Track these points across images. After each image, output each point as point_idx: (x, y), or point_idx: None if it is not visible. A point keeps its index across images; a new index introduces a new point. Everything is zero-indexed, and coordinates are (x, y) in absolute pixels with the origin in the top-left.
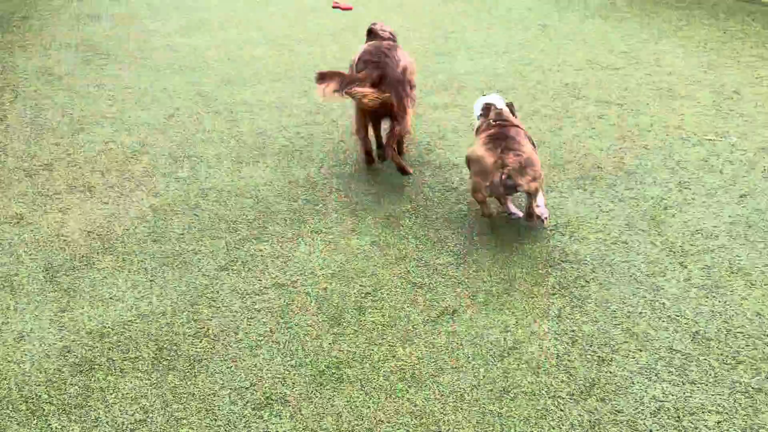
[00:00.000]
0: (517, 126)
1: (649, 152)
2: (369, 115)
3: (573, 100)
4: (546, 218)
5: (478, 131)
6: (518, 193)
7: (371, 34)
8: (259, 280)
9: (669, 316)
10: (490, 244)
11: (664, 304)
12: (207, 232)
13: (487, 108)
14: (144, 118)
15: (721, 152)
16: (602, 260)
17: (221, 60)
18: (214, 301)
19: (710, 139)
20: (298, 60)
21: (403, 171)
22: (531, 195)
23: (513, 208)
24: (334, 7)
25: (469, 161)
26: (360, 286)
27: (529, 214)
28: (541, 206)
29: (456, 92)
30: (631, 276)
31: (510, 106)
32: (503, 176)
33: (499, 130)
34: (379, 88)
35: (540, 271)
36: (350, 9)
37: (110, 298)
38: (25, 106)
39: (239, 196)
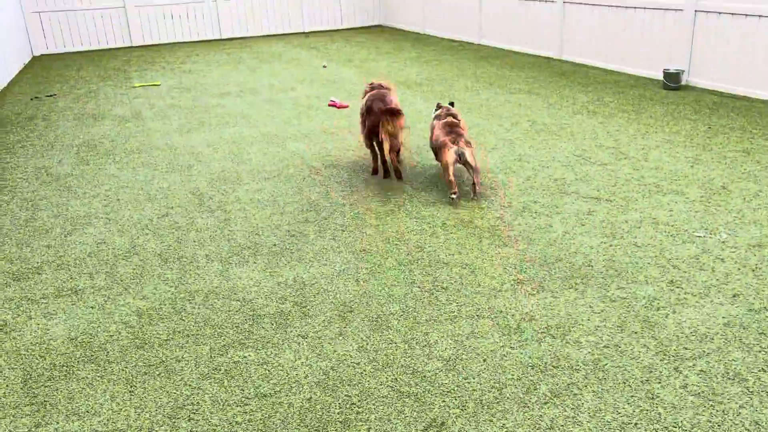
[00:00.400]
0: (459, 120)
1: (639, 249)
2: (372, 136)
3: (562, 196)
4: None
5: (436, 118)
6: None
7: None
8: (242, 390)
9: (666, 428)
10: (480, 348)
11: (660, 414)
12: (192, 338)
13: (438, 106)
14: (137, 218)
15: (712, 249)
16: (595, 365)
17: (217, 158)
18: (194, 413)
19: (700, 236)
20: (292, 158)
21: (398, 175)
22: (470, 166)
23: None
24: (330, 105)
25: (436, 146)
26: (345, 396)
27: (473, 185)
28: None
29: (447, 188)
30: (625, 383)
31: (451, 104)
32: (457, 150)
33: (450, 125)
34: (386, 117)
35: (531, 378)
36: (346, 107)
37: (87, 411)
38: (21, 207)
39: (227, 298)
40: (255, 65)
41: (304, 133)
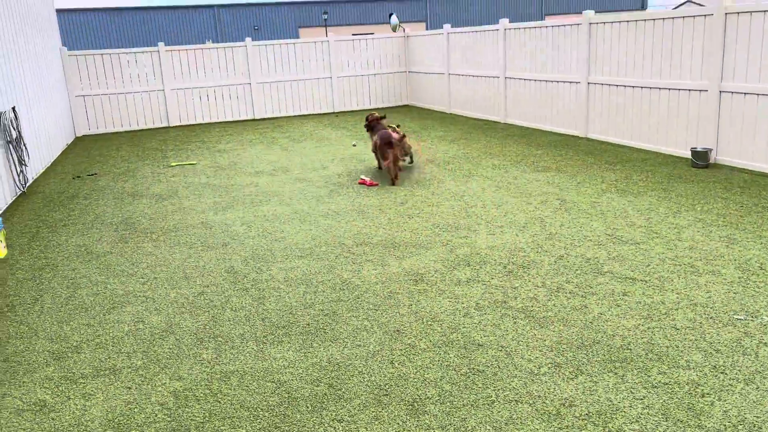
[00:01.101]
0: (404, 136)
1: (678, 332)
2: (381, 157)
3: (596, 276)
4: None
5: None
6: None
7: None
8: None
9: None
10: None
11: None
12: (227, 421)
13: (391, 127)
14: (174, 297)
15: (755, 333)
16: None
17: (251, 236)
18: None
19: (741, 319)
20: (324, 235)
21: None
22: (412, 158)
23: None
24: (360, 183)
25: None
26: None
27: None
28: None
29: (479, 267)
30: None
31: (398, 126)
32: (405, 151)
33: (400, 137)
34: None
35: None
36: (376, 185)
37: None
38: (62, 285)
39: (262, 379)
40: (287, 144)
41: (336, 211)
